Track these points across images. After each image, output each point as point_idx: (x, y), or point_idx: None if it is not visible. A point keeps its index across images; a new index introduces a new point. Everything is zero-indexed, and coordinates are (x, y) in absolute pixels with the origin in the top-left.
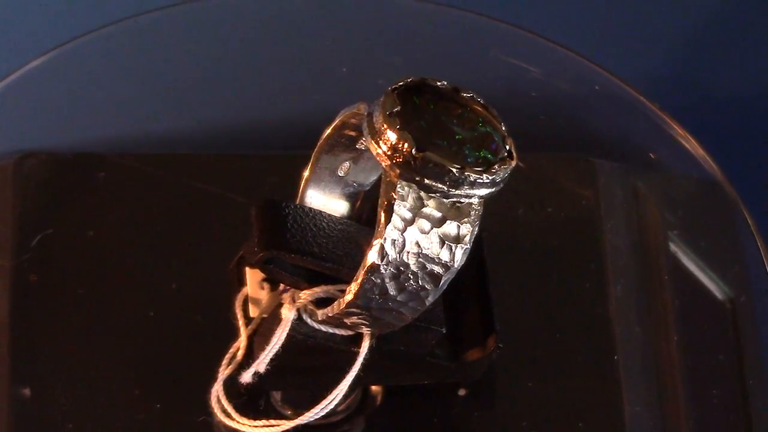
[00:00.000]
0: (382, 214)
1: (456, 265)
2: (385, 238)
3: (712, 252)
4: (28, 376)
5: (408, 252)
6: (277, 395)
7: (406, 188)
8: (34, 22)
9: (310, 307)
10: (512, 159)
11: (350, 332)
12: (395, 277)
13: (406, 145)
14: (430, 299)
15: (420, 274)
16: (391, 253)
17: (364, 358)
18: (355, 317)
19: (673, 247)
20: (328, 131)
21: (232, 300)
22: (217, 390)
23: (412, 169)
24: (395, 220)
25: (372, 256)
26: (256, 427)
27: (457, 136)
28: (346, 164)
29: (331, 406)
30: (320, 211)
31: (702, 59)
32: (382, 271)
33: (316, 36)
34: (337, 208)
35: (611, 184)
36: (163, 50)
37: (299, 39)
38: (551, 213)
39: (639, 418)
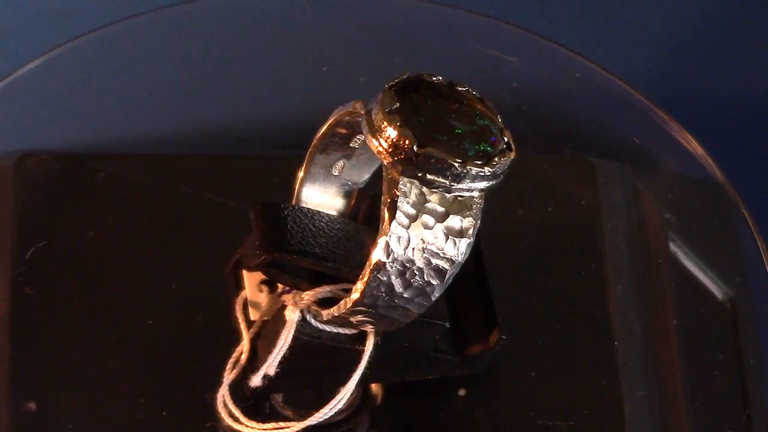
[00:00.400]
0: (386, 212)
1: (461, 259)
2: (390, 236)
3: (712, 252)
4: (33, 390)
5: (413, 248)
6: (278, 397)
7: (408, 185)
8: (34, 22)
9: (314, 307)
10: (511, 151)
11: (354, 331)
12: (401, 274)
13: (407, 141)
14: (436, 294)
15: (425, 269)
16: (397, 250)
17: (370, 356)
18: (362, 316)
19: (673, 247)
20: (322, 130)
21: (232, 302)
22: (223, 395)
23: (414, 166)
24: (399, 216)
25: (378, 254)
26: (265, 430)
27: (456, 131)
28: (340, 163)
29: (340, 406)
30: (318, 211)
31: (702, 59)
32: (389, 268)
33: (316, 36)
34: (333, 207)
35: (611, 184)
36: (163, 50)
37: (299, 39)
38: (551, 213)
39: (639, 417)
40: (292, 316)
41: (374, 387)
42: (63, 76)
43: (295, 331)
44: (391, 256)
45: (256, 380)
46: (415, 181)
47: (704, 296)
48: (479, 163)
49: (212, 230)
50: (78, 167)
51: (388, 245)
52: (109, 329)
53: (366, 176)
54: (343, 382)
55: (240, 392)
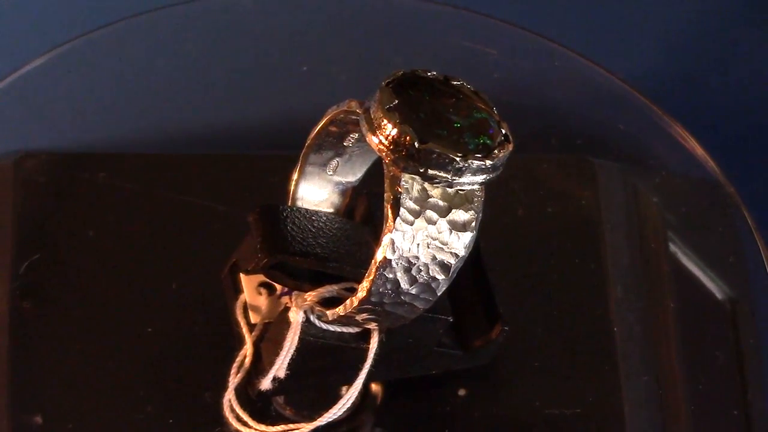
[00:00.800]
0: (389, 209)
1: (465, 253)
2: (395, 233)
3: (712, 252)
4: (38, 404)
5: (418, 244)
6: (279, 398)
7: (410, 181)
8: (34, 22)
9: (318, 308)
10: (509, 142)
11: (358, 329)
12: (407, 271)
13: (407, 138)
14: (441, 289)
15: (431, 264)
16: (402, 247)
17: (375, 354)
18: (368, 314)
19: (673, 247)
20: (316, 130)
21: (231, 307)
22: (230, 399)
23: (415, 162)
24: (403, 213)
25: (383, 252)
26: None
27: (455, 125)
28: (335, 162)
29: (348, 405)
30: (316, 211)
31: (702, 59)
32: (394, 265)
33: (314, 36)
34: (329, 206)
35: (611, 184)
36: (163, 50)
37: (297, 39)
38: (551, 213)
39: (639, 418)
40: (296, 317)
41: (374, 386)
42: (63, 76)
43: (300, 332)
44: (396, 253)
45: (266, 383)
46: (417, 177)
47: (704, 296)
48: (479, 156)
49: (213, 230)
50: (78, 167)
51: (393, 242)
52: (110, 330)
53: (360, 174)
54: (348, 380)
55: (243, 395)
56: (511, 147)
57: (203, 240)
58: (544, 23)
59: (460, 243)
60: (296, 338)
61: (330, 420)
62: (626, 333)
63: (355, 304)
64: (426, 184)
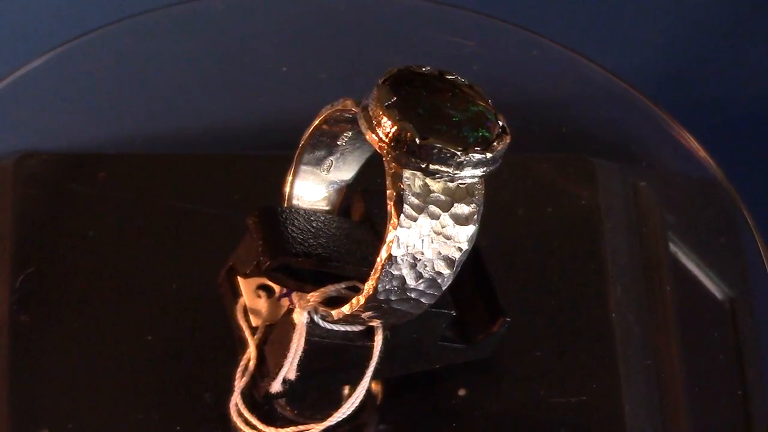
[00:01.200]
0: (393, 207)
1: (469, 246)
2: (399, 230)
3: (712, 252)
4: (44, 416)
5: (422, 239)
6: (281, 400)
7: (411, 177)
8: (34, 22)
9: (322, 308)
10: (507, 134)
11: (362, 327)
12: (413, 267)
13: (408, 134)
14: (446, 283)
15: (435, 259)
16: (407, 243)
17: (380, 351)
18: (374, 311)
19: (673, 247)
20: (310, 130)
21: (230, 311)
22: (236, 403)
23: (417, 158)
24: (407, 209)
25: (388, 249)
26: None
27: (454, 119)
28: (329, 161)
29: (357, 403)
30: (313, 212)
31: (702, 59)
32: (400, 262)
33: (313, 36)
34: (324, 205)
35: (611, 184)
36: (163, 50)
37: (296, 39)
38: (551, 213)
39: (639, 418)
40: (300, 318)
41: (374, 387)
42: (63, 76)
43: (306, 333)
44: (401, 250)
45: (276, 386)
46: (418, 172)
47: (704, 296)
48: (479, 149)
49: (213, 230)
50: (78, 167)
51: (398, 239)
52: (109, 330)
53: (354, 172)
54: (354, 379)
55: (251, 399)
56: (508, 139)
57: (203, 240)
58: (544, 23)
59: (464, 236)
60: (302, 340)
61: (340, 419)
62: (626, 333)
63: (362, 302)
64: (428, 180)
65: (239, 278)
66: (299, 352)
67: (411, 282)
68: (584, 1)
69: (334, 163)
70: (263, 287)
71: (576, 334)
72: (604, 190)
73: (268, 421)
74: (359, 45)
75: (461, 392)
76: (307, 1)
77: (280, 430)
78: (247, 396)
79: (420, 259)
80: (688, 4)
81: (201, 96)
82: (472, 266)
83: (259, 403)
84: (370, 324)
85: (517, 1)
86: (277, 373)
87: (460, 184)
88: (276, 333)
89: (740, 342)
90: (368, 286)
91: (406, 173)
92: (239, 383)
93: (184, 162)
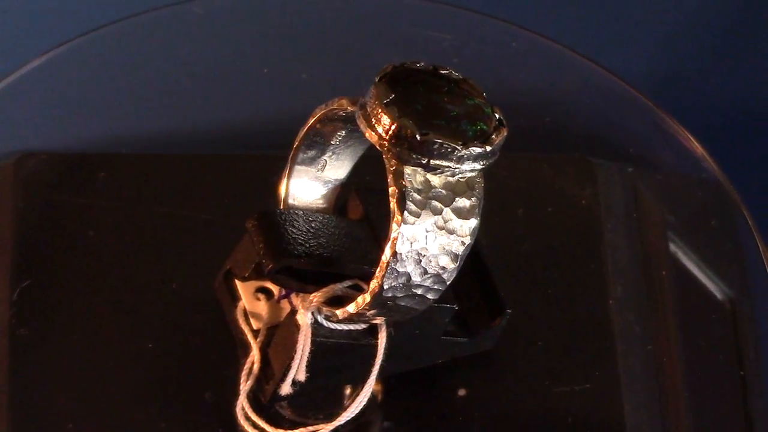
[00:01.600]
0: (395, 204)
1: (471, 240)
2: (403, 226)
3: (712, 252)
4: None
5: (426, 235)
6: (283, 402)
7: (412, 173)
8: (34, 22)
9: (325, 308)
10: (504, 127)
11: (366, 325)
12: (417, 263)
13: (408, 131)
14: (451, 278)
15: (439, 254)
16: (411, 240)
17: (385, 347)
18: (379, 309)
19: (673, 247)
20: (305, 129)
21: (227, 312)
22: (242, 406)
23: (418, 153)
24: (410, 206)
25: (393, 246)
26: None
27: (452, 113)
28: (323, 160)
29: (364, 401)
30: (311, 212)
31: (702, 59)
32: (404, 258)
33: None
34: (319, 204)
35: (611, 184)
36: (162, 50)
37: (295, 39)
38: (551, 213)
39: (639, 418)
40: (304, 319)
41: (374, 387)
42: (63, 76)
43: (311, 334)
44: (406, 247)
45: (285, 388)
46: (419, 168)
47: (704, 296)
48: (479, 142)
49: (213, 230)
50: (78, 167)
51: (402, 236)
52: (109, 330)
53: (348, 170)
54: (359, 377)
55: (257, 402)
56: (506, 131)
57: (203, 240)
58: (544, 23)
59: (467, 230)
60: (308, 341)
61: (348, 419)
62: (626, 333)
63: (368, 300)
64: (429, 175)
65: (237, 282)
66: (306, 353)
67: (416, 278)
68: (584, 1)
69: (328, 161)
70: (262, 290)
71: (576, 334)
72: (604, 190)
73: (277, 424)
74: (351, 45)
75: (461, 392)
76: (300, 2)
77: (288, 431)
78: (251, 399)
79: (425, 255)
80: (688, 4)
81: (201, 96)
82: (472, 260)
83: (262, 405)
84: (374, 322)
85: (517, 1)
86: (283, 375)
87: (461, 178)
88: (279, 335)
89: (740, 342)
90: (374, 284)
91: (408, 170)
92: (244, 386)
93: (185, 162)
